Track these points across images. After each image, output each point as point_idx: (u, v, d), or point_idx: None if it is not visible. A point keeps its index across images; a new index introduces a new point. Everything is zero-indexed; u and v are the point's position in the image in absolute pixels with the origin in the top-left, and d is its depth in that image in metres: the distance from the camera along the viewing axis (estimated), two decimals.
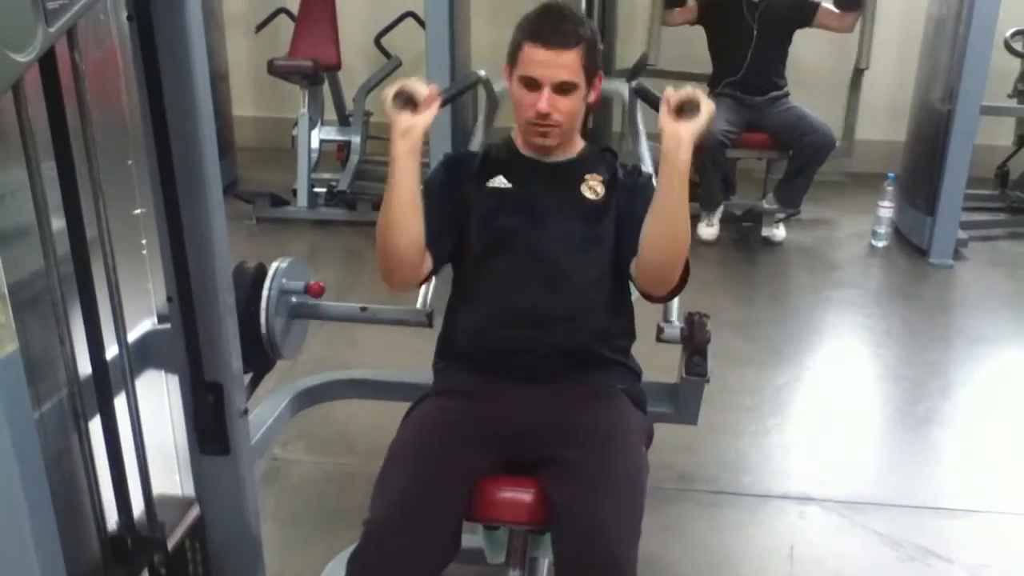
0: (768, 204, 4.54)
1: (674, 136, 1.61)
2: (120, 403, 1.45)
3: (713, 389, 2.10)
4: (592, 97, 1.82)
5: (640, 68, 4.35)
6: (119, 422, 1.44)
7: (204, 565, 1.66)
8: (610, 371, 1.84)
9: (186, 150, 1.48)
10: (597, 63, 1.80)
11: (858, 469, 2.81)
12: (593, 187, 1.85)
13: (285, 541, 2.35)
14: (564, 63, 1.73)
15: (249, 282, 2.05)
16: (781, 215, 4.55)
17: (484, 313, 1.82)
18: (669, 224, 1.67)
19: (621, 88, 2.53)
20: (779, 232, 4.59)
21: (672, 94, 1.63)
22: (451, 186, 1.87)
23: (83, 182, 1.33)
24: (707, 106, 1.62)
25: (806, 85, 4.71)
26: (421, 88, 1.67)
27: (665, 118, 1.63)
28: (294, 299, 2.15)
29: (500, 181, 1.86)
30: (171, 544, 1.56)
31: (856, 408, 3.16)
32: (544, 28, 1.74)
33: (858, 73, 4.62)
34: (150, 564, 1.51)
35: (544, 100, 1.74)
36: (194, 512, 1.64)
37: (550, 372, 1.78)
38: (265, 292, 2.05)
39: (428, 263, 1.80)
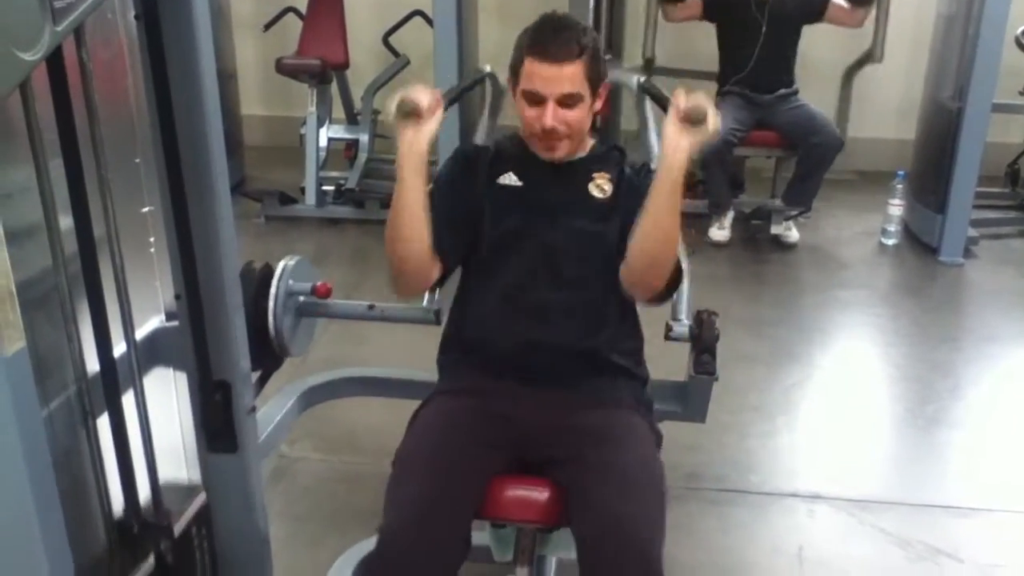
0: (779, 206, 4.51)
1: (674, 144, 1.61)
2: (128, 401, 1.45)
3: (721, 388, 2.10)
4: (598, 106, 1.81)
5: (646, 69, 4.35)
6: (127, 420, 1.44)
7: (211, 552, 1.65)
8: (616, 378, 1.82)
9: (194, 148, 1.49)
10: (601, 72, 1.77)
11: (867, 468, 2.80)
12: (601, 185, 1.84)
13: (293, 539, 2.35)
14: (567, 76, 1.70)
15: (256, 282, 2.05)
16: (792, 213, 4.52)
17: (492, 309, 1.82)
18: (654, 227, 1.66)
19: (630, 81, 2.52)
20: (792, 233, 4.53)
21: (681, 99, 1.62)
22: (462, 184, 1.86)
23: (91, 181, 1.33)
24: (714, 120, 1.61)
25: (813, 82, 4.69)
26: (423, 97, 1.66)
27: (670, 123, 1.62)
28: (302, 298, 2.15)
29: (510, 178, 1.85)
30: (177, 530, 1.55)
31: (865, 407, 3.14)
32: (545, 42, 1.71)
33: (851, 69, 4.62)
34: (156, 550, 1.49)
35: (548, 115, 1.72)
36: (200, 499, 1.62)
37: (557, 374, 1.77)
38: (273, 291, 2.06)
39: (437, 269, 1.79)
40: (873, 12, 4.37)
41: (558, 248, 1.80)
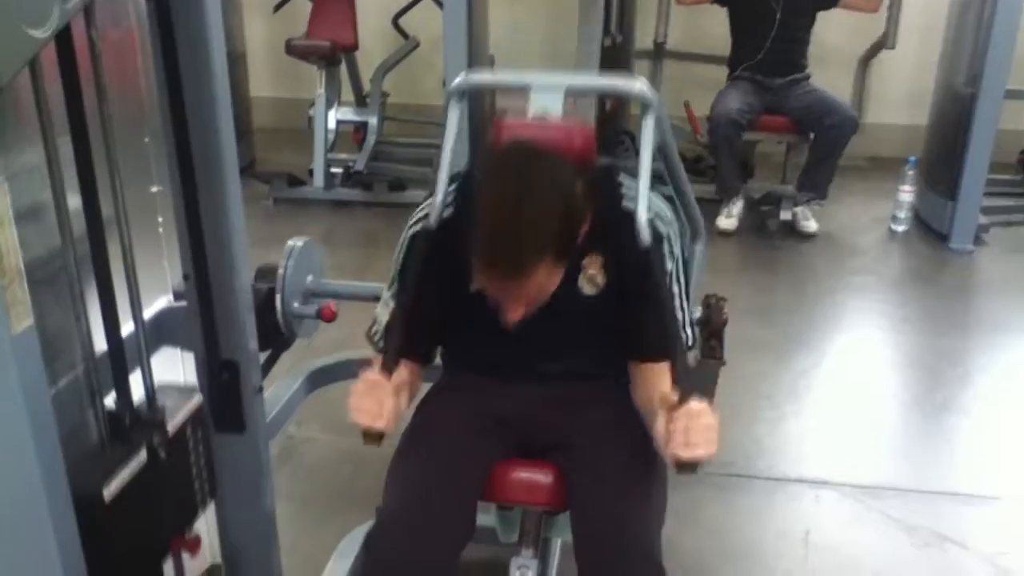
0: (794, 194, 4.48)
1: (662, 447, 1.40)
2: (136, 380, 1.45)
3: (730, 374, 2.09)
4: (584, 229, 1.48)
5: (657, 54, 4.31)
6: (134, 399, 1.44)
7: (207, 454, 1.59)
8: (619, 376, 1.73)
9: (203, 129, 1.48)
10: (572, 233, 1.44)
11: (875, 455, 2.79)
12: (592, 277, 1.58)
13: (299, 519, 2.37)
14: (525, 284, 1.42)
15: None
16: (805, 200, 4.47)
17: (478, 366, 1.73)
18: None
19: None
20: (811, 223, 4.46)
21: (681, 447, 1.34)
22: (430, 282, 1.56)
23: (99, 160, 1.33)
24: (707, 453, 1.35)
25: (825, 67, 4.66)
26: (368, 403, 1.47)
27: (660, 435, 1.40)
28: (310, 279, 2.16)
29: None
30: (171, 429, 1.49)
31: (873, 394, 3.14)
32: (498, 263, 1.41)
33: (867, 56, 4.59)
34: (148, 444, 1.43)
35: (511, 312, 1.48)
36: (195, 400, 1.56)
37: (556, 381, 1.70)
38: (280, 273, 2.06)
39: (418, 374, 1.68)
40: None
41: (543, 349, 1.65)
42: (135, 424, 1.42)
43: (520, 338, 1.55)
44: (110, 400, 1.41)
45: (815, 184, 4.41)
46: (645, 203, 1.49)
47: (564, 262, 1.46)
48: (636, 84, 1.63)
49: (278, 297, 2.05)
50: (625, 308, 1.58)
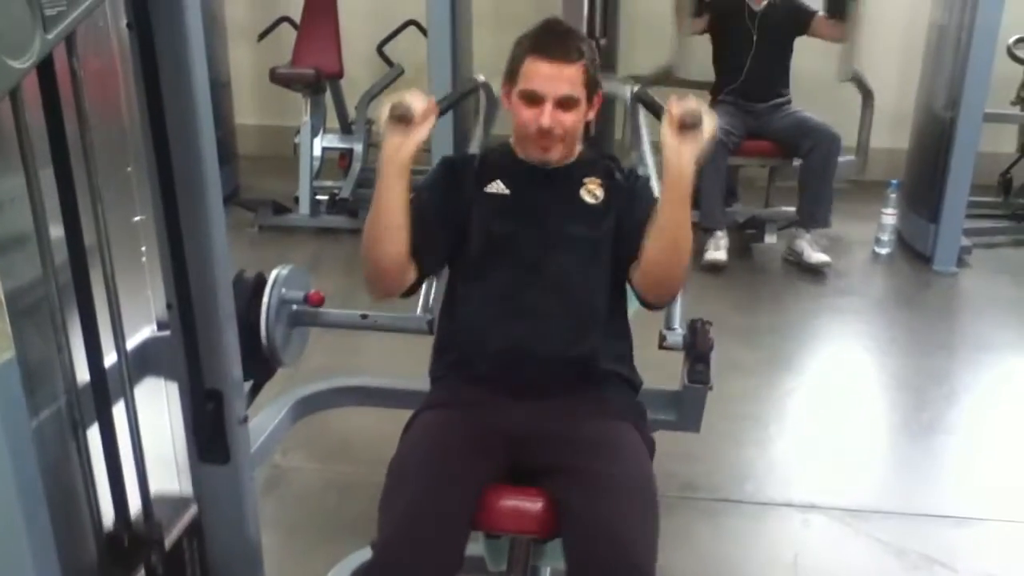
0: (801, 243, 4.34)
1: (675, 152, 1.62)
2: (119, 411, 1.44)
3: (715, 397, 2.09)
4: (591, 115, 1.83)
5: (661, 79, 4.33)
6: (118, 430, 1.43)
7: (202, 565, 1.64)
8: (609, 385, 1.81)
9: (186, 157, 1.48)
10: (598, 81, 1.80)
11: (862, 477, 2.79)
12: (592, 191, 1.83)
13: (285, 549, 2.34)
14: (567, 76, 1.72)
15: (249, 291, 2.04)
16: (809, 233, 4.37)
17: (481, 313, 1.81)
18: (671, 239, 1.67)
19: (623, 90, 2.53)
20: (821, 256, 4.30)
21: (675, 106, 1.63)
22: (447, 192, 1.86)
23: (82, 189, 1.32)
24: (710, 121, 1.62)
25: (808, 94, 4.69)
26: (418, 103, 1.66)
27: (667, 131, 1.63)
28: (294, 307, 2.15)
29: (498, 186, 1.85)
30: (168, 543, 1.54)
31: (860, 416, 3.14)
32: (548, 42, 1.74)
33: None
34: (147, 563, 1.48)
35: (547, 115, 1.73)
36: (191, 511, 1.62)
37: (548, 383, 1.75)
38: (265, 300, 2.05)
39: (412, 274, 1.79)
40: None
41: (548, 253, 1.80)
42: (133, 544, 1.44)
43: (525, 247, 1.78)
44: (108, 520, 1.42)
45: (814, 216, 4.34)
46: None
47: (588, 105, 1.77)
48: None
49: (263, 324, 2.04)
50: (618, 216, 1.81)
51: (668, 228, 1.67)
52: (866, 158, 4.67)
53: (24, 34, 1.06)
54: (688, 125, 1.61)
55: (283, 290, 2.10)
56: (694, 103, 1.62)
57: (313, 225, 4.73)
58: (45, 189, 1.23)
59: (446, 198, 1.84)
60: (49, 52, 1.14)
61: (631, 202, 1.82)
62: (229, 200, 4.60)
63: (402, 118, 1.65)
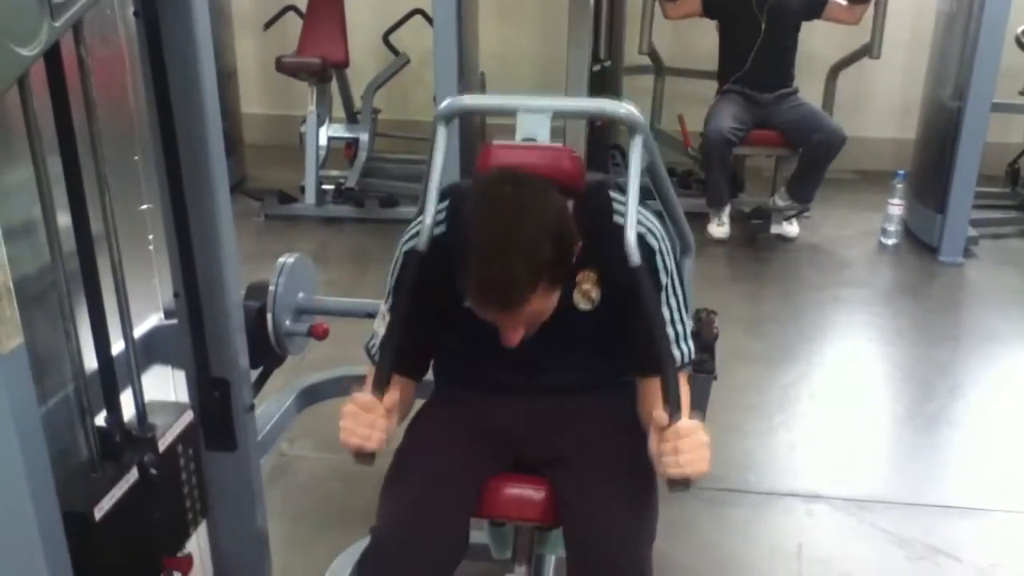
0: (780, 200, 4.50)
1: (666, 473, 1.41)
2: (126, 399, 1.45)
3: (720, 387, 2.09)
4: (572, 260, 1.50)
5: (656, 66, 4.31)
6: (125, 418, 1.44)
7: (198, 473, 1.59)
8: (614, 383, 1.75)
9: (192, 146, 1.48)
10: (569, 242, 1.45)
11: (867, 468, 2.79)
12: (587, 292, 1.59)
13: (291, 537, 2.35)
14: (518, 314, 1.44)
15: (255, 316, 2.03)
16: (792, 212, 4.52)
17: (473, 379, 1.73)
18: None
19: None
20: (792, 228, 4.57)
21: (671, 466, 1.38)
22: (423, 299, 1.56)
23: (89, 178, 1.33)
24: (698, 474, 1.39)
25: (812, 79, 4.68)
26: (370, 440, 1.48)
27: (652, 451, 1.44)
28: (301, 295, 2.15)
29: None
30: (162, 447, 1.49)
31: (865, 407, 3.14)
32: (489, 297, 1.42)
33: (839, 66, 4.62)
34: (140, 463, 1.43)
35: (508, 338, 1.49)
36: (187, 417, 1.56)
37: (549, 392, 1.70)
38: (272, 290, 2.06)
39: (411, 392, 1.68)
40: (871, 9, 4.37)
41: (537, 373, 1.67)
42: (126, 442, 1.42)
43: (514, 353, 1.54)
44: (100, 419, 1.40)
45: (802, 193, 4.43)
46: (634, 221, 1.48)
47: (560, 285, 1.47)
48: (622, 108, 1.63)
49: (269, 315, 2.05)
50: (620, 322, 1.58)
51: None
52: None
53: (32, 22, 1.06)
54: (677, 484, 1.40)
55: (287, 322, 2.10)
56: (692, 469, 1.38)
57: (319, 215, 4.74)
58: (53, 178, 1.23)
59: (424, 310, 1.57)
60: (56, 40, 1.15)
61: (625, 307, 1.55)
62: (235, 189, 4.61)
63: (368, 457, 1.49)
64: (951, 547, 2.39)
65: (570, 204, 1.50)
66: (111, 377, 1.40)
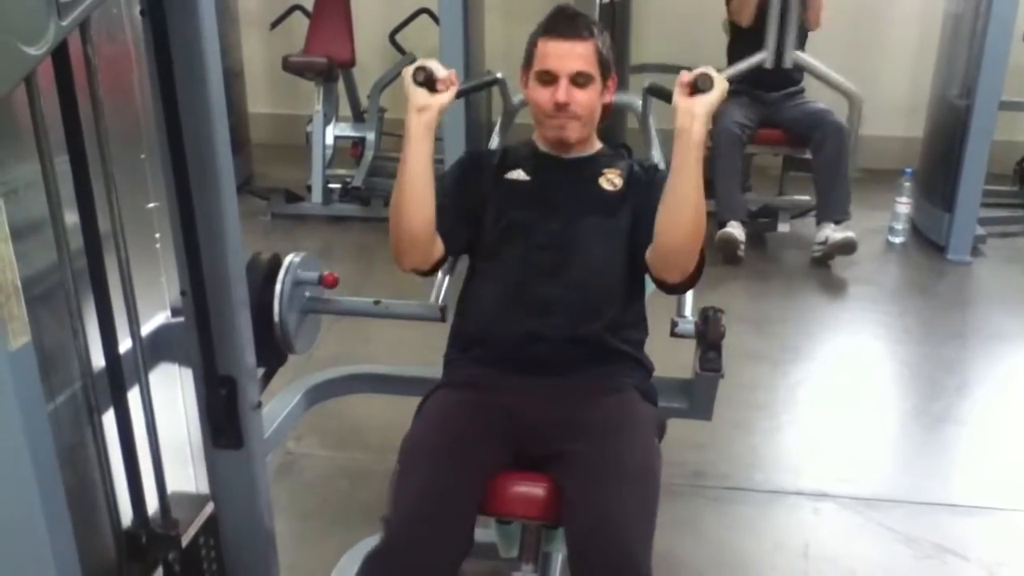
0: (831, 233, 4.18)
1: (688, 111, 1.63)
2: (134, 397, 1.45)
3: (727, 385, 2.09)
4: (607, 97, 1.86)
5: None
6: (133, 416, 1.44)
7: (218, 562, 1.67)
8: (621, 364, 1.83)
9: (199, 144, 1.49)
10: (610, 63, 1.84)
11: (873, 466, 2.79)
12: (611, 179, 1.88)
13: (298, 535, 2.36)
14: (580, 54, 1.78)
15: (263, 271, 2.05)
16: (831, 225, 4.25)
17: (497, 299, 1.83)
18: (684, 205, 1.67)
19: (634, 100, 2.54)
20: (845, 232, 4.18)
21: (686, 74, 1.65)
22: (468, 179, 1.92)
23: (96, 176, 1.33)
24: (720, 83, 1.64)
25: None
26: (441, 69, 1.70)
27: (679, 97, 1.64)
28: (307, 293, 2.16)
29: (518, 174, 1.90)
30: (185, 540, 1.56)
31: (872, 405, 3.14)
32: (558, 22, 1.81)
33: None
34: (164, 561, 1.51)
35: (561, 90, 1.78)
36: (208, 509, 1.65)
37: (560, 362, 1.77)
38: (279, 286, 2.06)
39: (439, 247, 1.83)
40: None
41: (564, 238, 1.82)
42: (151, 540, 1.46)
43: (550, 228, 1.81)
44: (124, 508, 1.43)
45: (832, 209, 4.25)
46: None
47: (603, 88, 1.82)
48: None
49: (275, 311, 2.05)
50: (635, 205, 1.84)
51: (680, 193, 1.66)
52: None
53: (39, 21, 1.06)
54: (699, 88, 1.63)
55: (298, 271, 2.12)
56: (704, 68, 1.65)
57: (325, 213, 4.75)
58: (60, 176, 1.24)
59: (467, 183, 1.91)
60: (63, 39, 1.15)
61: (649, 191, 1.82)
62: (242, 188, 4.62)
63: (425, 82, 1.68)
64: (958, 546, 2.39)
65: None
66: (118, 374, 1.40)
